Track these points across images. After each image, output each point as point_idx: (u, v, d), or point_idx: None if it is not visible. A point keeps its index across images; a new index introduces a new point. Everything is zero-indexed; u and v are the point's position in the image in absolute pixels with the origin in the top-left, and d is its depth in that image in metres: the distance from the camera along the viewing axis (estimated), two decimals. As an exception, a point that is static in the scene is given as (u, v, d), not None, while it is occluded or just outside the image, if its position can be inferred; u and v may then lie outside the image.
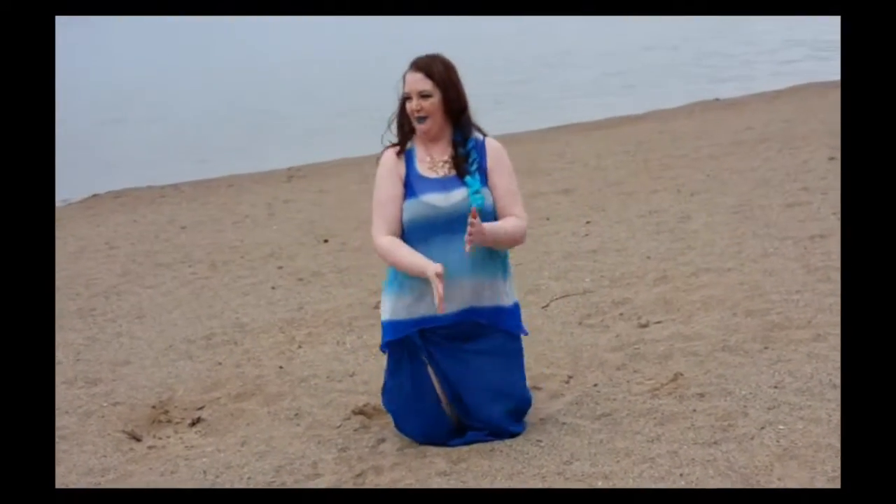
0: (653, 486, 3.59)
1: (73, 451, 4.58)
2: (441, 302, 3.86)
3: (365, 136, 7.55)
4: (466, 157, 4.11)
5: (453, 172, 4.10)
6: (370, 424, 4.46)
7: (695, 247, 6.79)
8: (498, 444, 4.06)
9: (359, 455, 4.17)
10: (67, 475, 4.32)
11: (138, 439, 4.65)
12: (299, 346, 5.74)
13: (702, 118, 14.29)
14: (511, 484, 3.75)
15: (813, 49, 22.83)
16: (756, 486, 3.50)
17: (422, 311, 4.05)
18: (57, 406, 5.11)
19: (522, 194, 4.28)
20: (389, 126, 4.22)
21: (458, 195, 4.04)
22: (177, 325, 6.49)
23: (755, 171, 9.18)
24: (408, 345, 4.10)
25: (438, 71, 4.08)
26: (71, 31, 52.52)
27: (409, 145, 4.19)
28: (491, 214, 4.08)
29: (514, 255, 4.26)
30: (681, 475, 3.63)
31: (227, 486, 4.06)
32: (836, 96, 13.08)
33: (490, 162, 4.14)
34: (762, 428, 3.90)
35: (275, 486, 4.01)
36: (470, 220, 3.87)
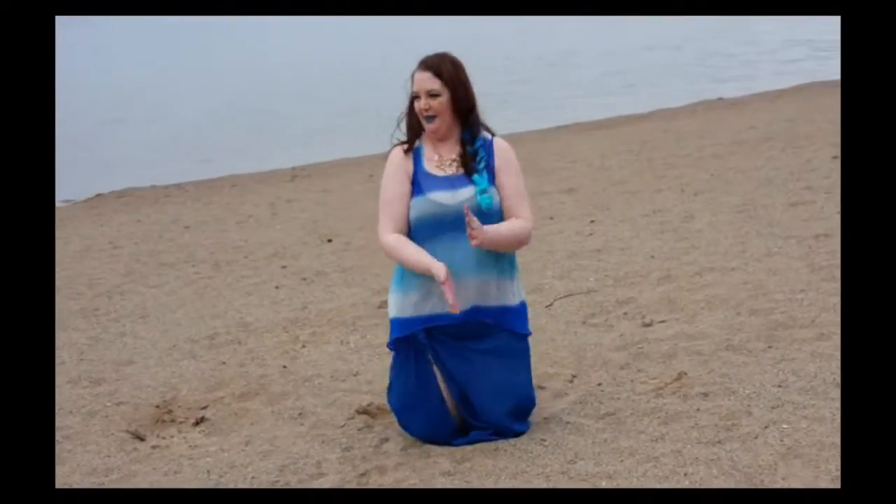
0: (657, 485, 3.59)
1: (77, 450, 4.58)
2: (455, 304, 3.86)
3: (367, 135, 7.56)
4: (474, 156, 4.10)
5: (461, 171, 4.09)
6: (374, 424, 4.46)
7: (699, 246, 6.79)
8: (502, 444, 4.06)
9: (362, 455, 4.17)
10: (71, 475, 4.32)
11: (142, 439, 4.65)
12: (303, 346, 5.74)
13: (705, 117, 14.27)
14: (515, 483, 3.75)
15: (813, 49, 22.82)
16: (760, 486, 3.50)
17: (428, 308, 4.05)
18: (60, 406, 5.11)
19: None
20: (398, 125, 4.22)
21: (465, 193, 4.04)
22: (180, 324, 6.49)
23: (759, 171, 9.17)
24: (414, 343, 4.10)
25: (447, 70, 4.07)
26: (71, 31, 52.47)
27: (417, 143, 4.19)
28: (497, 214, 4.07)
29: (518, 254, 4.26)
30: (685, 474, 3.63)
31: (231, 485, 4.06)
32: (839, 95, 13.05)
33: (498, 161, 4.13)
34: (766, 427, 3.90)
35: (278, 485, 4.01)
36: (466, 219, 3.87)
